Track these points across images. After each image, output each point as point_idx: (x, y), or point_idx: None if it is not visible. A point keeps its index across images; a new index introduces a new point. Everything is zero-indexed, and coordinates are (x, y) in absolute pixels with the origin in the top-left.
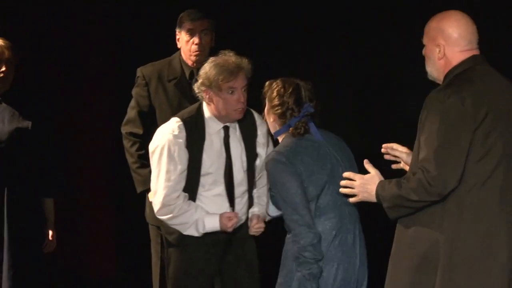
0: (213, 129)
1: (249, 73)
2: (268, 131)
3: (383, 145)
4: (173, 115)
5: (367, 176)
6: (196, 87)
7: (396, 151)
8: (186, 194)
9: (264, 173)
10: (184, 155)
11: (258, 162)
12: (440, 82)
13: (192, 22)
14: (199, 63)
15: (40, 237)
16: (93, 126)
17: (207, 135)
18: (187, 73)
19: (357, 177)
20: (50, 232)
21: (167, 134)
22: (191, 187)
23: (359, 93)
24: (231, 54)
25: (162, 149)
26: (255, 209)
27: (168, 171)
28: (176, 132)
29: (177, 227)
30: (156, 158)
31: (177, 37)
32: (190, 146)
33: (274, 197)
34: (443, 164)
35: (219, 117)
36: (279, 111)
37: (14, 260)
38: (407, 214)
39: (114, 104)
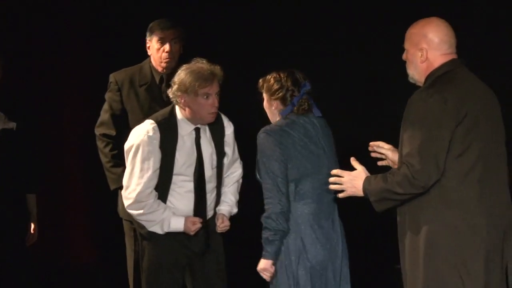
0: (185, 131)
1: (221, 79)
2: (234, 132)
3: (370, 143)
4: (145, 117)
5: (354, 172)
6: (171, 92)
7: (382, 148)
8: (157, 193)
9: (231, 171)
10: (158, 155)
11: (225, 160)
12: (421, 84)
13: (162, 31)
14: (169, 69)
15: (23, 230)
16: (71, 128)
17: (180, 136)
18: (157, 79)
19: (345, 173)
20: (32, 226)
21: (142, 135)
22: (164, 184)
23: (346, 92)
24: (204, 61)
25: (137, 148)
26: (221, 208)
27: (142, 169)
28: (150, 133)
29: (144, 223)
30: (131, 157)
31: (148, 44)
32: (163, 147)
33: (259, 169)
34: (426, 159)
35: (192, 119)
36: (280, 94)
37: None
38: (393, 207)
39: (89, 107)
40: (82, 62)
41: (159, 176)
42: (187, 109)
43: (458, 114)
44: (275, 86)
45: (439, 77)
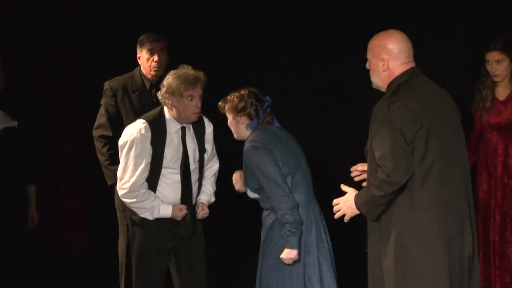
0: (173, 129)
1: (203, 83)
2: (213, 130)
3: (351, 169)
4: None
5: (346, 195)
6: (160, 94)
7: (363, 166)
8: (147, 184)
9: (210, 165)
10: (149, 151)
11: (205, 155)
12: (384, 90)
13: (151, 43)
14: (157, 76)
15: (23, 217)
16: (66, 127)
17: (168, 134)
18: (147, 85)
19: (340, 200)
20: (32, 213)
21: (135, 133)
22: (154, 176)
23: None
24: (189, 67)
25: (131, 145)
26: (201, 197)
27: (135, 163)
28: (143, 131)
29: (136, 210)
30: (125, 152)
31: (138, 55)
32: (154, 143)
33: (249, 182)
34: (397, 158)
35: (178, 119)
36: (247, 110)
37: (1, 237)
38: (385, 210)
39: (82, 109)
40: (76, 64)
41: (150, 169)
42: (174, 109)
43: (419, 119)
44: (241, 104)
45: (400, 85)
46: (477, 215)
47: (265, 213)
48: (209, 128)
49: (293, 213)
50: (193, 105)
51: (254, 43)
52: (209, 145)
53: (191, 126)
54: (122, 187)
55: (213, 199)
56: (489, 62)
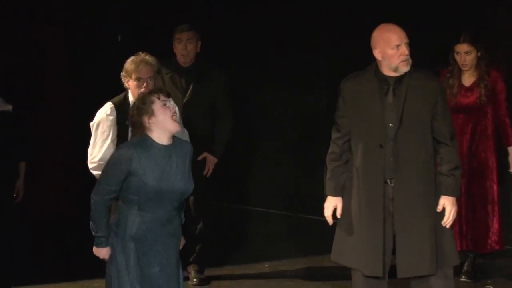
0: None
1: (152, 66)
2: None
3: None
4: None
5: (446, 207)
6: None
7: None
8: None
9: None
10: (114, 129)
11: None
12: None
13: (180, 33)
14: (186, 63)
15: (12, 189)
16: (57, 110)
17: None
18: (179, 70)
19: (449, 214)
20: (19, 187)
21: (102, 114)
22: None
23: None
24: (143, 53)
25: (98, 124)
26: None
27: (103, 140)
28: (108, 112)
29: None
30: (93, 130)
31: (173, 44)
32: (119, 123)
33: None
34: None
35: None
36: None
37: None
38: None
39: (70, 97)
40: (65, 54)
41: (116, 145)
42: (129, 90)
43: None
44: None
45: None
46: None
47: None
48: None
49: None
50: (142, 86)
51: None
52: None
53: None
54: (92, 161)
55: None
56: (459, 53)
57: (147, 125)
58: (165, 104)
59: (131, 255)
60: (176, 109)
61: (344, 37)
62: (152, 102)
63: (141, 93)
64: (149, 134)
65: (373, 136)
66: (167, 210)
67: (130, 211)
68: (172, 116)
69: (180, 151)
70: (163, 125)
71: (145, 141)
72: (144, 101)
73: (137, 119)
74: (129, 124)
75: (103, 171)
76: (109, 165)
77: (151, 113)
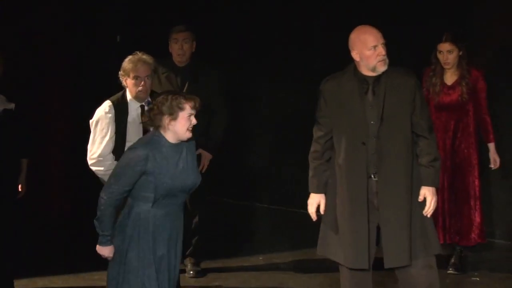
0: (133, 108)
1: (149, 65)
2: None
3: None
4: None
5: (427, 197)
6: (119, 75)
7: None
8: (113, 156)
9: None
10: (113, 126)
11: None
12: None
13: (176, 33)
14: (182, 63)
15: (16, 186)
16: (57, 109)
17: (130, 112)
18: (174, 69)
19: (430, 203)
20: (21, 183)
21: (101, 112)
22: (119, 149)
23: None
24: (140, 53)
25: (97, 121)
26: None
27: (102, 137)
28: (107, 110)
29: (104, 178)
30: (93, 128)
31: (169, 44)
32: (117, 120)
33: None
34: None
35: (135, 98)
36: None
37: None
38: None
39: (70, 96)
40: (65, 54)
41: (115, 142)
42: (127, 88)
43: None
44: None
45: None
46: None
47: None
48: None
49: None
50: (140, 84)
51: None
52: None
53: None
54: (91, 157)
55: None
56: (441, 52)
57: (165, 124)
58: (190, 116)
59: (146, 251)
60: (194, 121)
61: (342, 36)
62: (181, 109)
63: (182, 93)
64: (162, 132)
65: (356, 134)
66: (177, 205)
67: (142, 208)
68: (189, 127)
69: (188, 146)
70: (177, 133)
71: (157, 139)
72: (177, 102)
73: (159, 113)
74: (146, 110)
75: (115, 172)
76: (123, 166)
77: (174, 118)
